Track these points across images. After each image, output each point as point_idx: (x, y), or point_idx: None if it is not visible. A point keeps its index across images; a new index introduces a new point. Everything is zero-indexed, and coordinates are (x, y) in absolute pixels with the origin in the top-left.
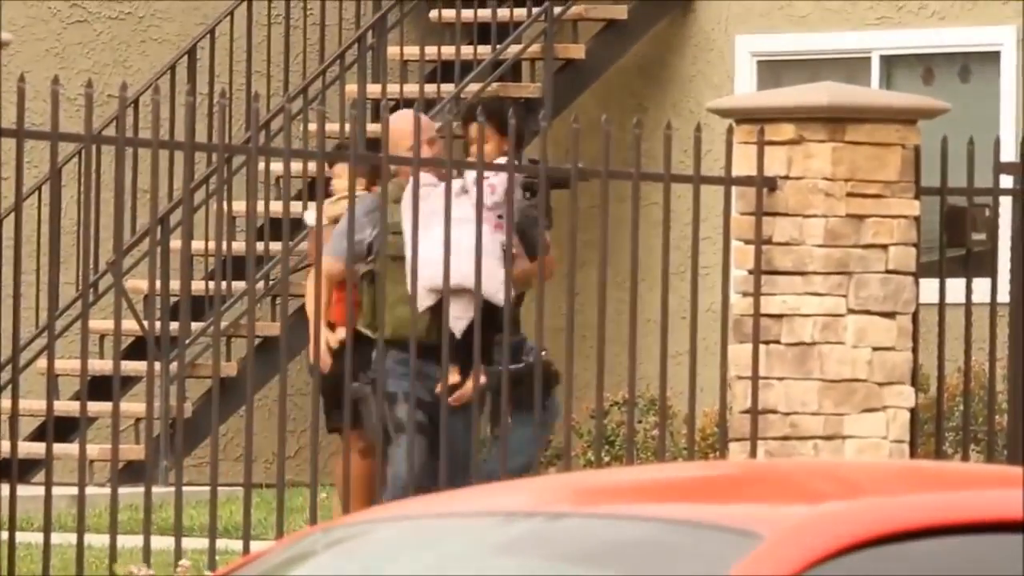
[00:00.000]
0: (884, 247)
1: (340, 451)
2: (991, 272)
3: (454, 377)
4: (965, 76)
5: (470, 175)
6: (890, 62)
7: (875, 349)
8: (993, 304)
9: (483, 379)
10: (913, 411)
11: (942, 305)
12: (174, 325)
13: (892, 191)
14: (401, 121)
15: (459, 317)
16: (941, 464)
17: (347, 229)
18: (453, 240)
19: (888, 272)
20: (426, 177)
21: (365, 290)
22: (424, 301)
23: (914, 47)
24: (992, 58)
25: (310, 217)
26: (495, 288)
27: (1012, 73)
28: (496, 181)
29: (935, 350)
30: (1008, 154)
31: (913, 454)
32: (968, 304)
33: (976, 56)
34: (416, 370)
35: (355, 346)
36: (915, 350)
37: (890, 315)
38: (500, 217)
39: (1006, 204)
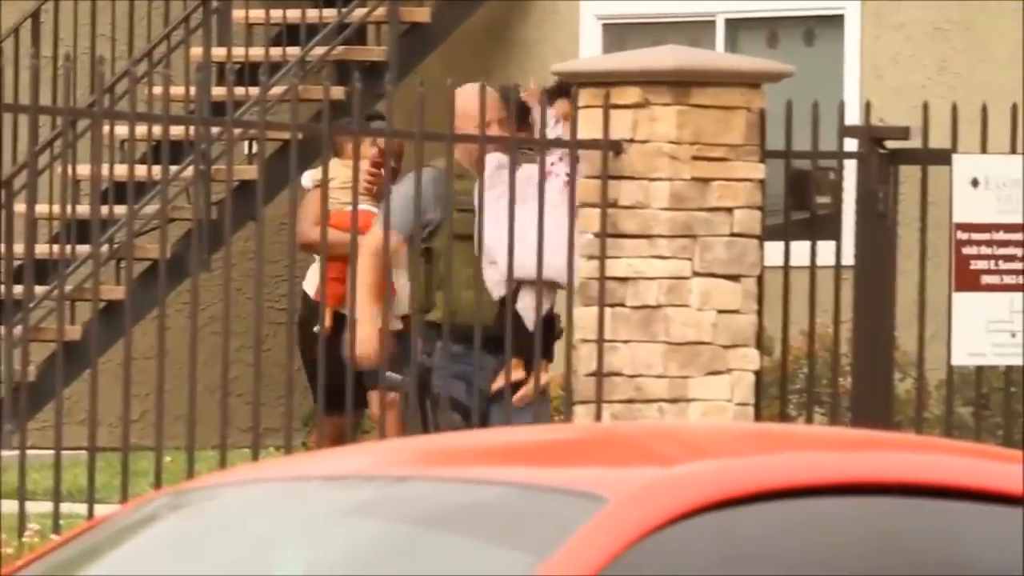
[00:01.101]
0: (729, 210)
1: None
2: (835, 235)
3: (519, 373)
4: (809, 40)
5: (550, 156)
6: (735, 26)
7: (720, 312)
8: (838, 267)
9: (545, 377)
10: (757, 374)
11: (787, 268)
12: (18, 288)
13: (737, 154)
14: (466, 96)
15: (534, 308)
16: (785, 427)
17: (389, 205)
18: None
19: (733, 235)
20: (496, 158)
21: (420, 269)
22: (501, 288)
23: (758, 11)
24: (836, 22)
25: (307, 179)
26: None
27: (856, 37)
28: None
29: (780, 313)
30: (852, 117)
31: (758, 417)
32: (813, 267)
33: (820, 20)
34: (474, 362)
35: (398, 333)
36: (760, 313)
37: (735, 278)
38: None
39: (851, 167)
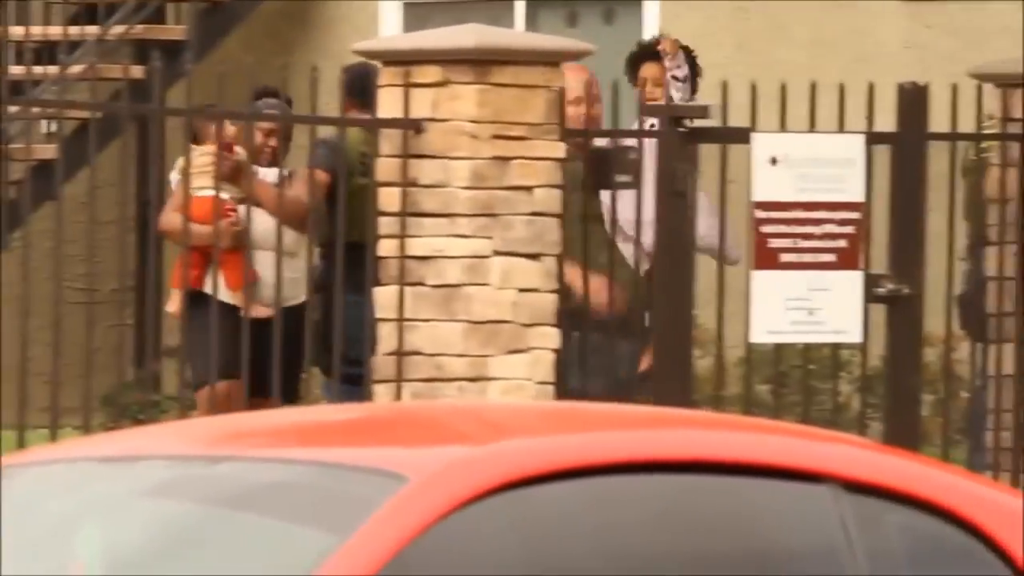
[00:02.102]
0: (529, 189)
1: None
2: (636, 213)
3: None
4: (609, 19)
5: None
6: (534, 5)
7: (521, 291)
8: (636, 244)
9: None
10: (558, 352)
11: (586, 246)
12: None
13: (537, 133)
14: (568, 78)
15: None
16: (585, 405)
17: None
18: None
19: (533, 214)
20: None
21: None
22: (645, 264)
23: None
24: (635, 0)
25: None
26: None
27: (655, 15)
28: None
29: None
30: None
31: (558, 395)
32: (611, 245)
33: None
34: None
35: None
36: (560, 291)
37: (535, 257)
38: None
39: (651, 146)
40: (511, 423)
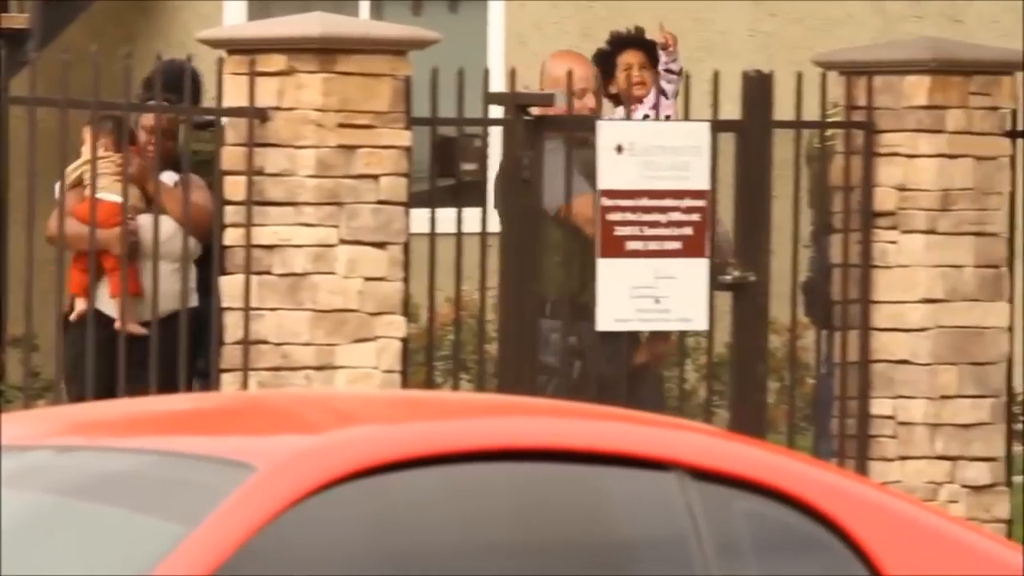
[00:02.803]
0: (375, 178)
1: None
2: (481, 202)
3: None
4: (454, 7)
5: (618, 112)
6: None
7: (367, 279)
8: (483, 234)
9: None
10: (404, 341)
11: (433, 235)
12: None
13: (383, 122)
14: (557, 69)
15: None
16: (433, 393)
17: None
18: None
19: (379, 203)
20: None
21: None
22: None
23: None
24: None
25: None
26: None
27: (500, 3)
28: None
29: (426, 280)
30: (497, 84)
31: (404, 384)
32: (459, 234)
33: None
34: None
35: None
36: (407, 280)
37: (381, 245)
38: None
39: (496, 134)
40: (360, 412)
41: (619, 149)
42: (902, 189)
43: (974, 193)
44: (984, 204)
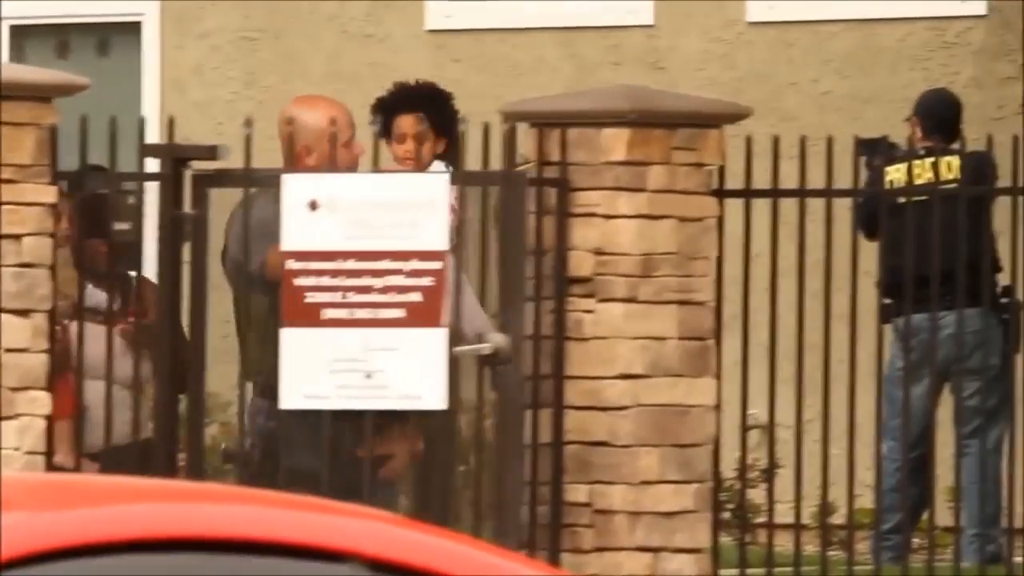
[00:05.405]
0: (18, 238)
1: None
2: (136, 266)
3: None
4: (104, 50)
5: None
6: (21, 32)
7: (8, 351)
8: (140, 295)
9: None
10: (49, 419)
11: (81, 307)
12: None
13: (26, 176)
14: (314, 117)
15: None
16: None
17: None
18: None
19: (22, 266)
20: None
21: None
22: None
23: (46, 16)
24: (133, 29)
25: None
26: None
27: (155, 46)
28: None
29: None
30: (154, 135)
31: (49, 467)
32: (109, 307)
33: (116, 27)
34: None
35: None
36: (52, 352)
37: (24, 313)
38: None
39: (153, 189)
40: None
41: (313, 206)
42: (599, 253)
43: (678, 258)
44: (689, 270)
